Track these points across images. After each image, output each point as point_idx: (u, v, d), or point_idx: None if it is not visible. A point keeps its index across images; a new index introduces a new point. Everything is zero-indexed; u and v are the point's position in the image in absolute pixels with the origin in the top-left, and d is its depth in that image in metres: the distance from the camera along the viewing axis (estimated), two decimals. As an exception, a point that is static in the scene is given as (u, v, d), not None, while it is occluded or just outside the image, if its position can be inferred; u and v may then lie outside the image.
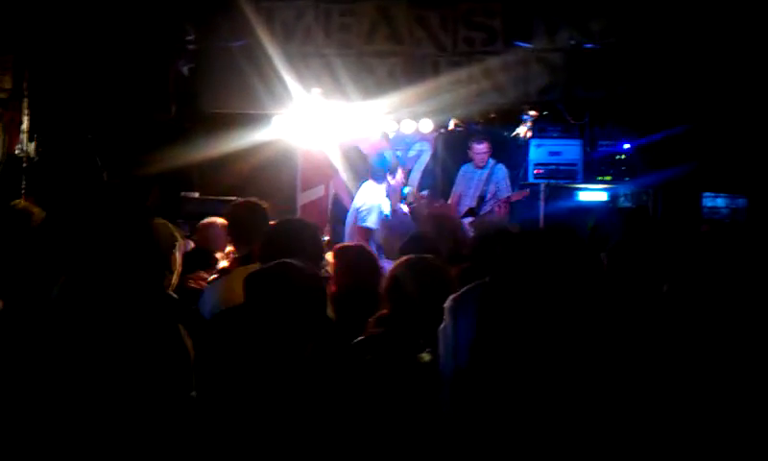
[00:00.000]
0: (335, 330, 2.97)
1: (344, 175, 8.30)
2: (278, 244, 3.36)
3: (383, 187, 7.31)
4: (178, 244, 4.10)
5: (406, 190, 8.24)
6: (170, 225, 4.11)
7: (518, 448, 2.02)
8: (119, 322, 2.29)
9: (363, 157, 8.38)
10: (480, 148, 8.46)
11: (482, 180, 8.51)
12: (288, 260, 2.63)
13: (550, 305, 2.21)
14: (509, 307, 2.21)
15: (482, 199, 8.49)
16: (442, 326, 2.44)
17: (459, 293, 2.48)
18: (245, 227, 4.05)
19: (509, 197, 8.41)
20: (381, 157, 7.48)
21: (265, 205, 4.17)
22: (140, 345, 2.30)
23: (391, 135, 9.43)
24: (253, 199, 4.27)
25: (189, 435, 2.32)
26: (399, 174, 7.64)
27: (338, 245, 4.72)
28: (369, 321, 3.20)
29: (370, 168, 7.50)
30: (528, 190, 8.34)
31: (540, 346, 2.11)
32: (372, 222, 7.15)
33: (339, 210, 8.43)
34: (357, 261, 3.86)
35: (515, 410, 2.03)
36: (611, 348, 2.20)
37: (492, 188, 8.46)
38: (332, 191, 8.89)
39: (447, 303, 2.43)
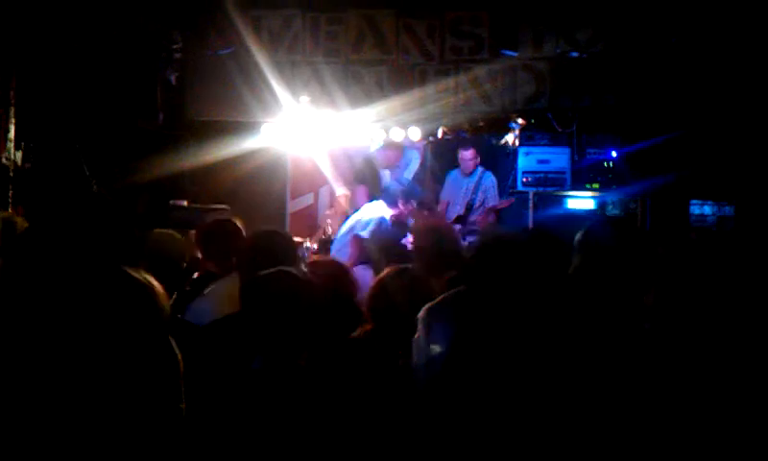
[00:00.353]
0: (330, 338, 2.98)
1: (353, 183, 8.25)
2: (262, 254, 3.39)
3: (390, 210, 7.32)
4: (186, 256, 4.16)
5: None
6: (180, 237, 4.16)
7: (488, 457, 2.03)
8: (108, 328, 2.28)
9: (375, 169, 8.39)
10: (466, 154, 8.43)
11: (470, 188, 8.47)
12: (285, 268, 2.66)
13: (524, 316, 2.21)
14: (482, 317, 2.21)
15: (470, 207, 8.44)
16: (415, 336, 2.44)
17: (432, 303, 2.47)
18: (218, 243, 4.13)
19: (495, 205, 8.41)
20: (400, 184, 7.51)
21: (239, 222, 4.24)
22: (130, 353, 2.29)
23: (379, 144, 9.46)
24: (226, 216, 4.35)
25: (178, 447, 2.32)
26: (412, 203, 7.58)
27: (313, 259, 4.78)
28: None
29: (384, 190, 7.50)
30: (513, 198, 8.34)
31: (512, 357, 2.11)
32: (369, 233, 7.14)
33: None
34: (332, 273, 3.87)
35: (484, 421, 2.03)
36: (583, 357, 2.20)
37: (480, 196, 8.42)
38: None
39: (421, 314, 2.43)
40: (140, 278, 2.34)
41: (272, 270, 2.64)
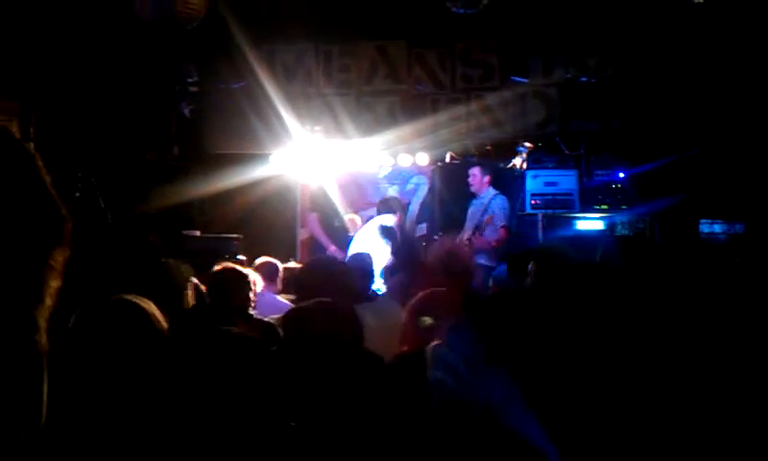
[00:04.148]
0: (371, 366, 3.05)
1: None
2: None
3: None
4: (190, 284, 4.25)
5: None
6: (183, 266, 4.25)
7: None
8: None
9: None
10: (471, 172, 8.17)
11: (479, 210, 8.14)
12: (323, 300, 2.74)
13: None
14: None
15: (478, 227, 8.03)
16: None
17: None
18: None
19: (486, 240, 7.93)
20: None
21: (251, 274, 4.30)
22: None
23: (387, 170, 9.57)
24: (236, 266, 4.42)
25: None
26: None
27: None
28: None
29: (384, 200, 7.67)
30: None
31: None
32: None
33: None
34: None
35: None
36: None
37: (487, 219, 7.96)
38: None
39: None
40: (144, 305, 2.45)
41: (311, 301, 2.76)
